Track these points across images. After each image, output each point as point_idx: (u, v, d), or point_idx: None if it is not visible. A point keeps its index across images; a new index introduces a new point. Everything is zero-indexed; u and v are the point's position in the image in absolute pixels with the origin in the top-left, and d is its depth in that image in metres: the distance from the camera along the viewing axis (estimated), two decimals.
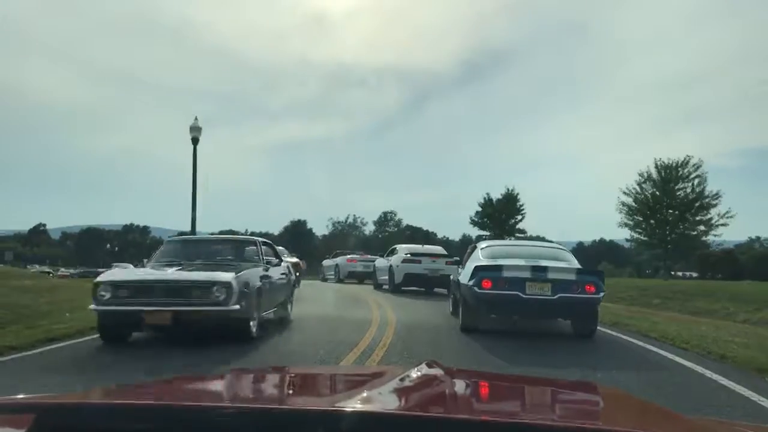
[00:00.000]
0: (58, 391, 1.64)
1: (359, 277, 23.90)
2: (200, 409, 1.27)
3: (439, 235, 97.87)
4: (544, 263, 8.52)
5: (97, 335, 7.82)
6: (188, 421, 1.18)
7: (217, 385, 1.86)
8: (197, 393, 1.73)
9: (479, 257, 9.35)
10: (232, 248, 9.46)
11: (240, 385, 1.83)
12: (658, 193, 37.62)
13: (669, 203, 37.35)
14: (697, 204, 36.99)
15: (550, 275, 8.22)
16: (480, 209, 52.74)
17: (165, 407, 1.29)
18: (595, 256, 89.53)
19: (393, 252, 18.53)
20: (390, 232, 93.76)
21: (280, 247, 17.01)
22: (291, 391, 1.81)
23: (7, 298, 10.66)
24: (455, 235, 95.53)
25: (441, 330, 9.26)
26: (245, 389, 1.79)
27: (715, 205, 36.72)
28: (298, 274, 13.64)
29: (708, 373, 6.25)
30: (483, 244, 10.39)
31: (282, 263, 9.92)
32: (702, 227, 37.70)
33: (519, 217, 52.68)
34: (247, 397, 1.66)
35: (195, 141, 20.10)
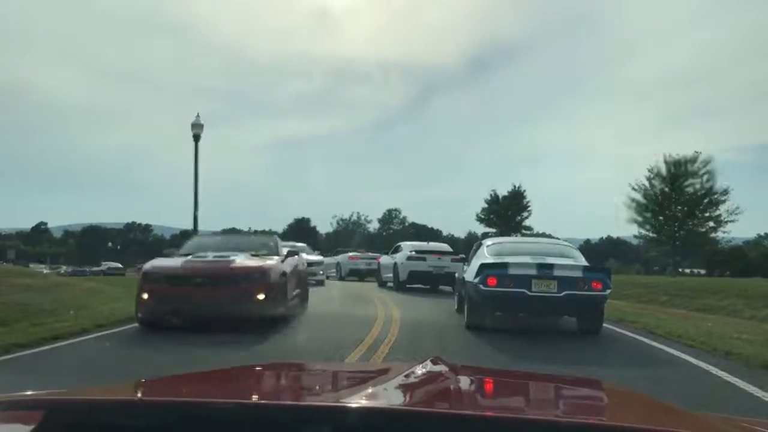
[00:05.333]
0: (64, 388, 1.66)
1: (361, 275, 24.01)
2: (207, 405, 1.28)
3: (445, 233, 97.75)
4: (550, 261, 8.50)
5: (101, 333, 8.20)
6: (195, 416, 1.19)
7: (224, 382, 1.88)
8: (204, 389, 1.74)
9: (485, 255, 9.33)
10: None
11: (246, 382, 1.85)
12: (667, 189, 37.37)
13: (678, 199, 37.11)
14: (705, 200, 36.73)
15: (557, 273, 8.20)
16: (486, 206, 52.63)
17: (172, 403, 1.30)
18: (603, 253, 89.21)
19: (398, 249, 18.52)
20: (394, 229, 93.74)
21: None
22: (296, 387, 1.82)
23: (12, 296, 10.74)
24: (461, 233, 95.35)
25: (446, 327, 9.26)
26: (251, 385, 1.80)
27: (723, 201, 36.50)
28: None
29: (714, 370, 6.23)
30: (489, 242, 10.37)
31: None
32: (711, 224, 37.47)
33: (525, 214, 52.52)
34: (252, 393, 1.67)
35: (197, 138, 20.07)
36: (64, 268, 55.65)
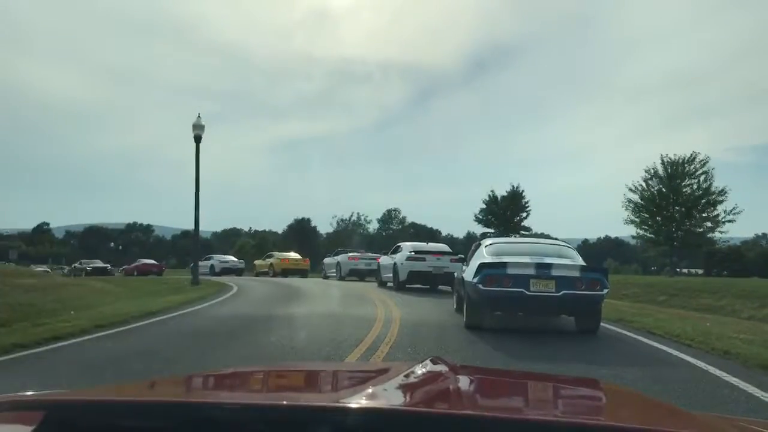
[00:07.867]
0: (65, 389, 1.66)
1: (361, 275, 24.01)
2: (207, 406, 1.28)
3: (444, 233, 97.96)
4: (548, 260, 8.52)
5: (101, 333, 8.43)
6: (195, 417, 1.19)
7: (224, 382, 1.88)
8: (204, 390, 1.74)
9: (484, 255, 9.35)
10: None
11: (246, 382, 1.85)
12: (664, 189, 37.40)
13: (675, 200, 37.13)
14: (703, 200, 36.76)
15: (555, 272, 8.22)
16: (485, 206, 52.63)
17: (172, 404, 1.30)
18: (601, 254, 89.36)
19: (397, 250, 18.52)
20: (394, 229, 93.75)
21: None
22: (296, 388, 1.82)
23: (14, 296, 10.73)
24: (460, 233, 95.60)
25: (446, 327, 9.26)
26: (251, 386, 1.80)
27: (721, 202, 36.52)
28: None
29: (712, 369, 6.24)
30: (487, 242, 10.39)
31: None
32: (708, 224, 37.51)
33: (524, 214, 52.52)
34: (253, 394, 1.67)
35: (198, 139, 20.02)
36: (66, 269, 49.93)
